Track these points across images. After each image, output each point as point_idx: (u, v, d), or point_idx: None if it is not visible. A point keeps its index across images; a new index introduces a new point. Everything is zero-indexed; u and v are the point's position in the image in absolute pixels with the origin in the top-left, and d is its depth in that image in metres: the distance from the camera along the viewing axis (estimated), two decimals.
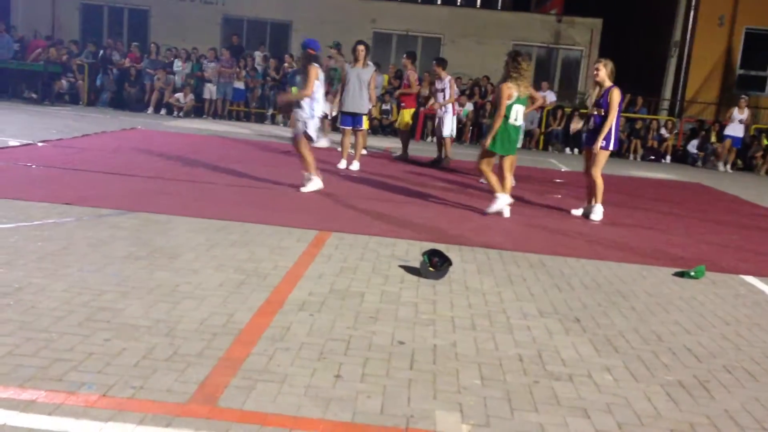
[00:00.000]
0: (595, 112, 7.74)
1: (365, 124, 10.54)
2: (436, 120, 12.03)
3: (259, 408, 2.85)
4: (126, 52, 18.66)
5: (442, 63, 11.78)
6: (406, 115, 12.19)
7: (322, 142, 12.29)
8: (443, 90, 11.59)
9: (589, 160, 7.86)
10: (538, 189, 10.06)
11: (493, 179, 7.47)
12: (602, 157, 7.74)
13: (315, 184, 7.91)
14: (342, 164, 10.21)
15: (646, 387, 3.41)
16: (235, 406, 2.85)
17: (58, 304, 3.78)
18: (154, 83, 17.86)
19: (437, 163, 11.71)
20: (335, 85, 12.17)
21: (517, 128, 7.51)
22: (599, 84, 7.78)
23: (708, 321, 4.56)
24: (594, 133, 7.75)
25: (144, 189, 7.26)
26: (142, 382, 2.98)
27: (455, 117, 11.95)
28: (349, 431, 2.73)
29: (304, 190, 7.86)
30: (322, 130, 12.45)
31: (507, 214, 7.50)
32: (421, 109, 13.89)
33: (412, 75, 12.32)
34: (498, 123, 7.28)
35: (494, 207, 7.48)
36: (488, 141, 7.36)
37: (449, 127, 11.69)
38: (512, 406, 3.08)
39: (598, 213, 7.84)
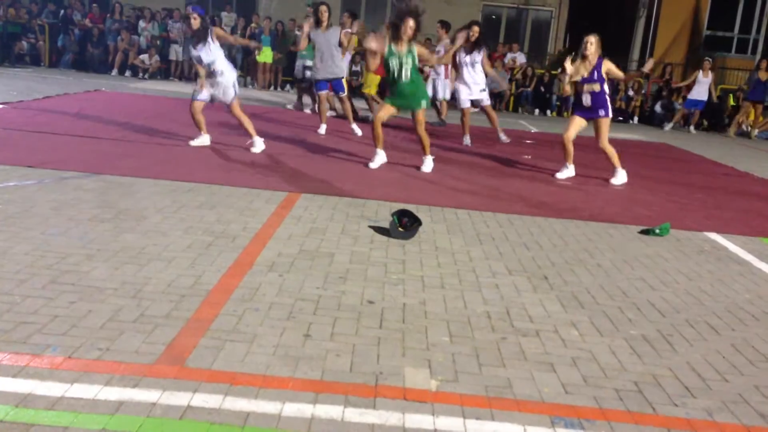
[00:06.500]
0: (595, 89, 7.51)
1: (345, 87, 10.25)
2: (430, 84, 11.79)
3: (228, 367, 2.84)
4: (87, 12, 18.14)
5: (446, 26, 11.47)
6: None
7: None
8: (439, 53, 11.38)
9: (596, 130, 7.74)
10: (508, 150, 10.07)
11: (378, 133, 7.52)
12: (607, 125, 7.75)
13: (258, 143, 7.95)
14: (322, 129, 10.03)
15: (610, 341, 3.47)
16: (203, 366, 2.84)
17: (21, 267, 3.71)
18: (117, 44, 17.43)
19: (434, 125, 11.54)
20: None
21: (404, 83, 7.27)
22: (586, 57, 7.50)
23: (672, 277, 4.64)
24: (595, 106, 7.61)
25: (108, 151, 7.12)
26: (108, 343, 2.95)
27: (448, 80, 11.70)
28: (319, 389, 2.74)
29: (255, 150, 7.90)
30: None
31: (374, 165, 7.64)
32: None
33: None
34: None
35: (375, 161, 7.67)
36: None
37: (443, 90, 11.59)
38: (480, 361, 3.11)
39: (620, 177, 7.98)
